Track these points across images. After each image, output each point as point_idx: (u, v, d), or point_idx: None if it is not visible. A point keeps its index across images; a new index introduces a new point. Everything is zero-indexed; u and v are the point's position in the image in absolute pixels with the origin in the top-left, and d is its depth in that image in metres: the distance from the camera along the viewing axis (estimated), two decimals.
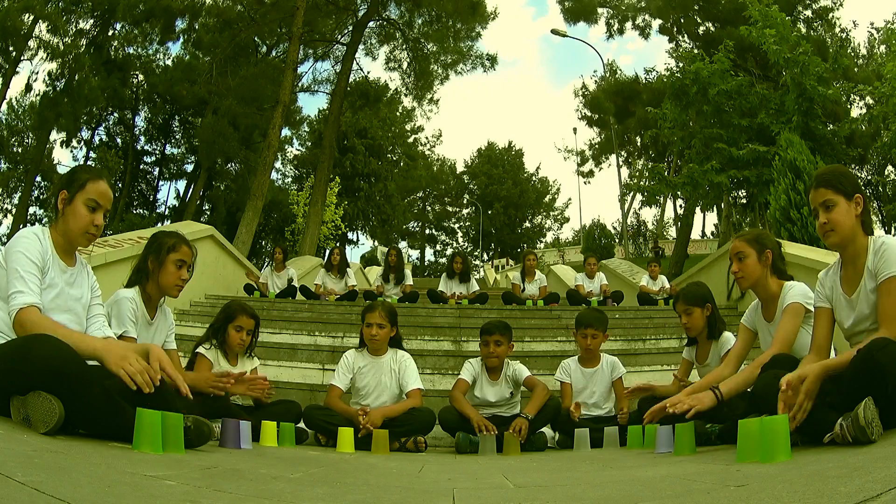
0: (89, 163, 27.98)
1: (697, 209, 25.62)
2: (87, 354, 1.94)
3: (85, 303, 2.33)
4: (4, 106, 23.31)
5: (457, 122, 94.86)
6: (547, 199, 52.23)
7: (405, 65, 22.18)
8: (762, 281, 2.80)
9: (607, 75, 27.13)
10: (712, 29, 22.04)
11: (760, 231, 3.03)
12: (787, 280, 2.83)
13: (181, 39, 24.06)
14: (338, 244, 27.20)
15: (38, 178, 26.83)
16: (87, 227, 2.23)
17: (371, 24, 20.75)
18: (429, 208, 52.81)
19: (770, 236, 2.99)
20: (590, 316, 3.70)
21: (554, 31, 22.52)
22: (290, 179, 37.88)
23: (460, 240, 53.14)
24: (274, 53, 22.03)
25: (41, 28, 20.30)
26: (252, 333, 3.41)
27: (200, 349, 3.33)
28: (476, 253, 47.01)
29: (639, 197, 34.27)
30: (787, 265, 2.95)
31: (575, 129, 40.83)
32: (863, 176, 22.07)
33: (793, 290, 2.72)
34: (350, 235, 38.16)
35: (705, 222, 40.64)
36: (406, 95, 24.29)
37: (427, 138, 47.43)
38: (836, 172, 2.29)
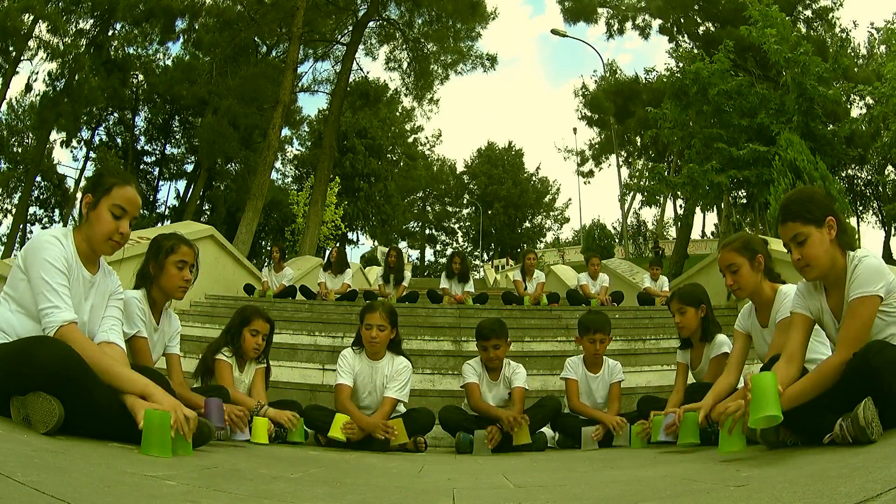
0: (89, 163, 28.03)
1: (697, 209, 25.63)
2: (127, 389, 1.90)
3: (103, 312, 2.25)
4: (4, 106, 23.32)
5: (457, 122, 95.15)
6: (547, 199, 52.27)
7: (405, 65, 22.19)
8: (757, 287, 2.72)
9: (607, 75, 27.12)
10: (712, 29, 22.06)
11: (746, 236, 2.88)
12: (778, 282, 2.77)
13: (181, 39, 24.06)
14: (338, 244, 27.22)
15: (38, 178, 26.89)
16: (111, 234, 2.12)
17: (371, 24, 20.74)
18: (429, 208, 52.82)
19: (756, 238, 2.87)
20: (597, 321, 3.58)
21: (554, 31, 22.51)
22: (290, 179, 37.98)
23: (460, 240, 53.17)
24: (274, 53, 22.04)
25: (41, 28, 20.33)
26: (267, 339, 3.31)
27: (220, 356, 3.21)
28: (476, 253, 47.02)
29: (639, 197, 34.37)
30: (783, 268, 2.90)
31: (575, 129, 40.84)
32: (863, 176, 22.07)
33: (787, 299, 2.56)
34: (350, 235, 38.19)
35: (705, 222, 40.71)
36: (406, 95, 24.31)
37: (427, 138, 47.60)
38: (801, 201, 2.11)
